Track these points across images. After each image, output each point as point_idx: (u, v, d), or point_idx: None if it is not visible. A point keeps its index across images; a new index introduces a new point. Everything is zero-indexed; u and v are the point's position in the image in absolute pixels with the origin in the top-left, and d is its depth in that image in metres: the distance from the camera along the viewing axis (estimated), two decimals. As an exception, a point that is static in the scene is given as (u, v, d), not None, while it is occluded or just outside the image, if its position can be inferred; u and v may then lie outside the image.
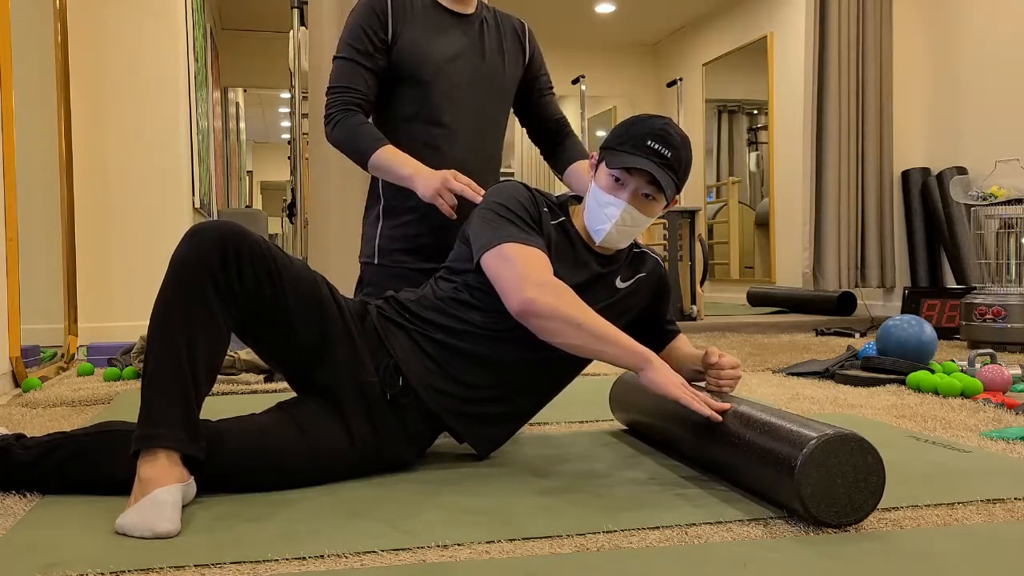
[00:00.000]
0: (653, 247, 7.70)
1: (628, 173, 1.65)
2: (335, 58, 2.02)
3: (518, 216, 1.67)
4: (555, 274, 1.64)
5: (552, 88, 2.26)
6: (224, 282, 1.47)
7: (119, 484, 1.44)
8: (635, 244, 1.87)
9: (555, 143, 2.24)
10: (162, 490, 1.33)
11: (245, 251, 1.48)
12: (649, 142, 1.63)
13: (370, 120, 2.04)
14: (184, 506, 1.39)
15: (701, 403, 1.52)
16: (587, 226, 1.73)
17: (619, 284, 1.79)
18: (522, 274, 1.56)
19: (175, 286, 1.45)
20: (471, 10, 2.10)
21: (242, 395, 2.67)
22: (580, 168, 2.15)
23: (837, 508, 1.31)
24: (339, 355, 1.60)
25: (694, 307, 5.26)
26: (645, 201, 1.67)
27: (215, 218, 6.14)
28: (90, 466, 1.49)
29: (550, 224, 1.74)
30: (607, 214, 1.67)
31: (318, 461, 1.56)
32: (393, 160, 1.92)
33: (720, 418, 1.52)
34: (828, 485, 1.30)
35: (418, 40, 2.01)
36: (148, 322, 1.48)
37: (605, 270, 1.77)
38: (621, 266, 1.80)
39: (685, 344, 1.90)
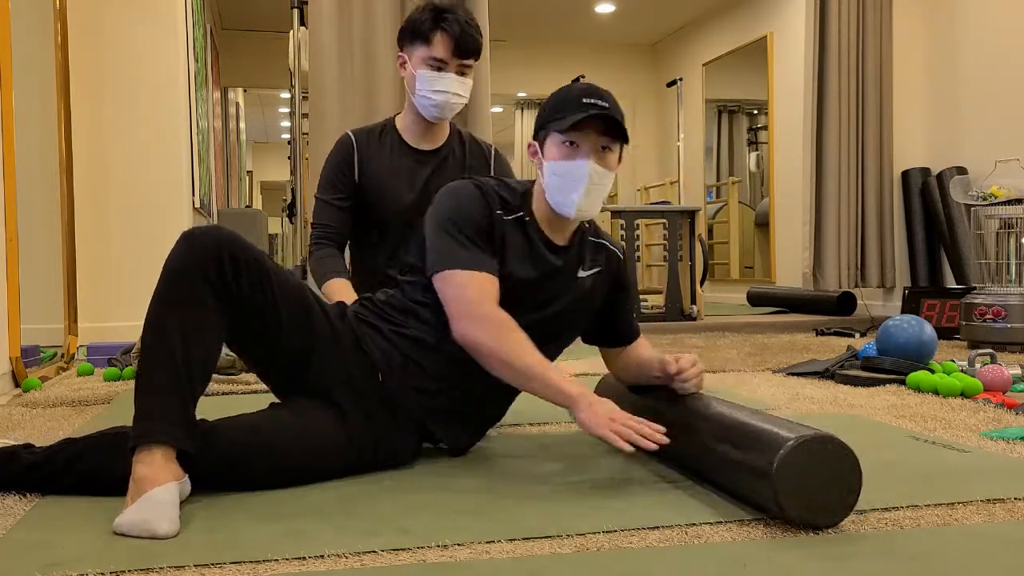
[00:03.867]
0: (653, 246, 7.72)
1: (580, 131, 1.64)
2: (315, 196, 2.33)
3: (468, 236, 1.67)
4: (513, 271, 1.68)
5: None
6: (219, 284, 1.48)
7: (126, 481, 1.45)
8: (594, 233, 1.85)
9: None
10: (159, 489, 1.33)
11: (240, 256, 1.51)
12: (584, 99, 1.64)
13: (342, 249, 2.33)
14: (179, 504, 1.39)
15: (624, 443, 1.45)
16: (554, 205, 1.70)
17: (581, 274, 1.79)
18: (462, 308, 1.62)
19: (170, 286, 1.46)
20: (436, 145, 2.30)
21: (242, 395, 2.67)
22: None
23: (816, 509, 1.29)
24: (327, 357, 1.64)
25: (694, 307, 5.26)
26: (604, 154, 1.67)
27: (211, 222, 6.16)
28: (97, 464, 1.50)
29: (504, 225, 1.72)
30: (575, 180, 1.65)
31: (315, 456, 1.57)
32: (330, 293, 2.17)
33: (655, 446, 1.47)
34: (805, 487, 1.29)
35: (379, 181, 2.25)
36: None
37: (564, 261, 1.76)
38: (582, 257, 1.80)
39: (645, 349, 1.89)
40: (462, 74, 2.21)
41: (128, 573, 1.15)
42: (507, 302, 1.67)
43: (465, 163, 2.33)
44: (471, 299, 1.62)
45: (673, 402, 1.68)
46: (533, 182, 1.80)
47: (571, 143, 1.65)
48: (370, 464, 1.66)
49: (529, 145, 1.76)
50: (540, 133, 1.71)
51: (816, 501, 1.29)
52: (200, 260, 1.47)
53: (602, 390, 2.05)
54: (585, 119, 1.62)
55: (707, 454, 1.50)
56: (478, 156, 2.36)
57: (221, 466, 1.49)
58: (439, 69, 2.19)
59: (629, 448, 1.46)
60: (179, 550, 1.23)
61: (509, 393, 1.80)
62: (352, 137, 2.29)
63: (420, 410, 1.71)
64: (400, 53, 2.28)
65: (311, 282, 2.17)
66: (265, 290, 1.55)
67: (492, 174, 2.34)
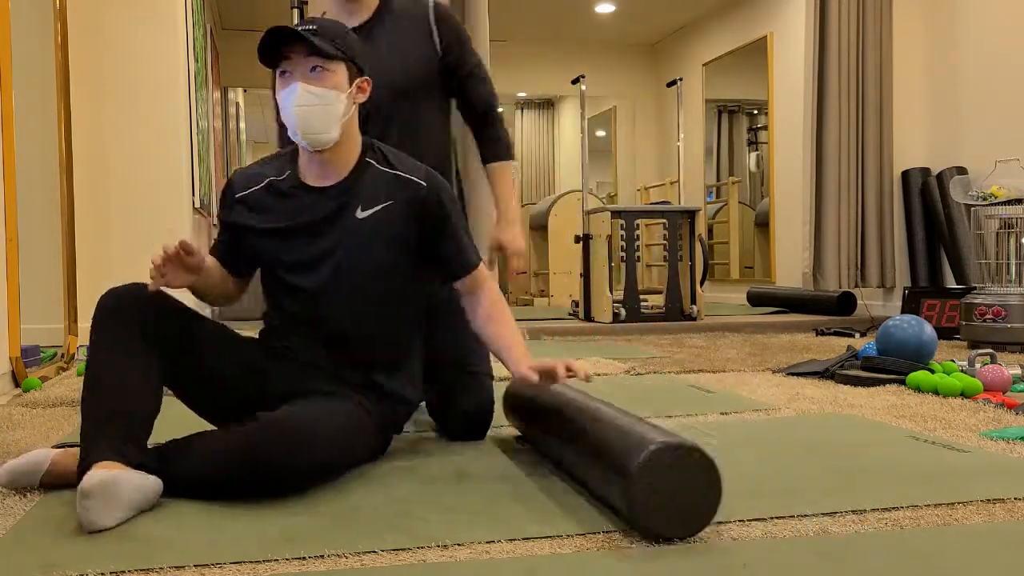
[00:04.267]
0: (653, 246, 7.70)
1: (282, 59, 1.62)
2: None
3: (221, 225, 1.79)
4: (279, 230, 1.70)
5: (477, 70, 2.16)
6: (145, 329, 1.56)
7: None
8: (391, 165, 1.73)
9: (477, 132, 2.20)
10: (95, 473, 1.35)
11: (159, 304, 1.59)
12: (273, 28, 1.59)
13: None
14: (154, 508, 1.43)
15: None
16: (297, 141, 1.67)
17: (359, 215, 1.70)
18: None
19: (102, 336, 1.54)
20: (366, 16, 2.07)
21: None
22: (494, 174, 2.16)
23: (674, 517, 1.25)
24: (278, 369, 1.71)
25: (694, 307, 5.26)
26: (316, 75, 1.61)
27: (212, 222, 6.17)
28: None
29: (254, 193, 1.73)
30: (288, 107, 1.62)
31: (344, 445, 1.59)
32: None
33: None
34: (661, 497, 1.25)
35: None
36: None
37: (337, 203, 1.69)
38: (361, 195, 1.70)
39: (498, 310, 1.78)
40: None
41: (128, 573, 1.15)
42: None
43: (398, 25, 2.09)
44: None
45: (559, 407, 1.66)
46: None
47: (281, 74, 1.64)
48: (375, 446, 1.74)
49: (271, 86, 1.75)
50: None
51: (673, 510, 1.25)
52: (122, 309, 1.55)
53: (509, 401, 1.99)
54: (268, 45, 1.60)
55: (578, 456, 1.49)
56: (419, 17, 2.11)
57: (191, 478, 1.50)
58: None
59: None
60: (179, 550, 1.23)
61: (397, 342, 1.77)
62: None
63: (359, 378, 1.72)
64: None
65: None
66: (191, 329, 1.63)
67: (436, 35, 2.10)
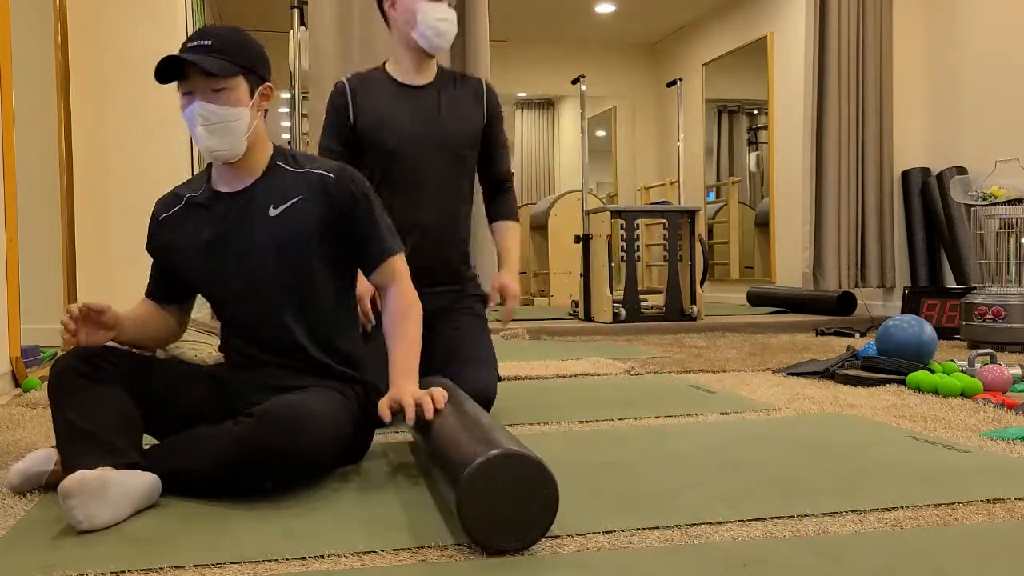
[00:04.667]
0: (653, 246, 7.70)
1: (183, 79, 1.60)
2: (318, 143, 2.42)
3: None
4: (200, 243, 1.69)
5: (505, 146, 2.51)
6: (98, 372, 1.55)
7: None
8: (300, 165, 1.74)
9: (492, 195, 2.51)
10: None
11: (103, 351, 1.59)
12: (164, 59, 1.57)
13: None
14: (153, 506, 1.44)
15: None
16: (206, 157, 1.69)
17: (272, 213, 1.69)
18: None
19: (55, 392, 1.52)
20: (426, 81, 2.39)
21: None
22: (501, 229, 2.48)
23: (506, 529, 1.21)
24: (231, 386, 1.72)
25: (694, 307, 5.26)
26: (217, 94, 1.60)
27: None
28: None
29: (175, 213, 1.74)
30: (192, 127, 1.62)
31: (335, 413, 1.59)
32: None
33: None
34: (493, 509, 1.21)
35: (376, 117, 2.32)
36: None
37: (245, 202, 1.69)
38: (271, 194, 1.70)
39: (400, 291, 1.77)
40: (450, 5, 2.36)
41: (128, 573, 1.15)
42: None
43: (456, 95, 2.41)
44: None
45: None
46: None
47: (184, 95, 1.63)
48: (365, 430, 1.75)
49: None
50: None
51: (503, 521, 1.21)
52: (72, 366, 1.53)
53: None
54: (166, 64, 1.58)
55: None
56: (470, 91, 2.43)
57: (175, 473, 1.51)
58: None
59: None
60: (179, 550, 1.23)
61: (309, 322, 1.75)
62: (346, 82, 2.39)
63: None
64: None
65: None
66: (150, 371, 1.64)
67: (485, 107, 2.43)
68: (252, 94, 1.66)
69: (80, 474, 1.33)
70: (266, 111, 1.72)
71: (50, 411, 1.56)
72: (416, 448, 1.92)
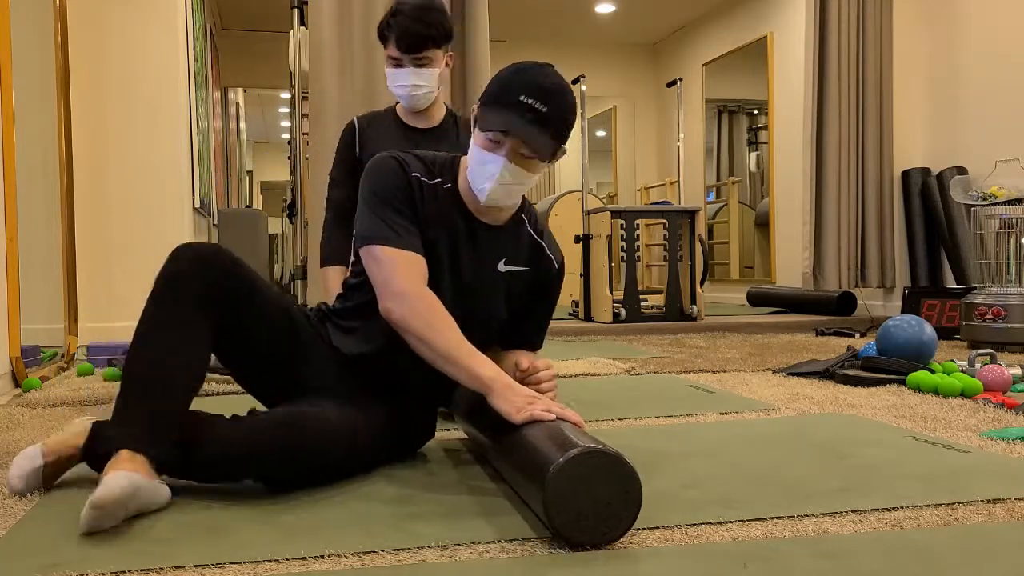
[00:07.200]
0: (653, 246, 7.71)
1: (503, 133, 1.59)
2: (329, 173, 2.55)
3: (393, 207, 1.66)
4: (430, 236, 1.67)
5: None
6: (207, 298, 1.53)
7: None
8: (539, 231, 1.79)
9: None
10: (112, 475, 1.33)
11: (226, 270, 1.57)
12: (522, 97, 1.55)
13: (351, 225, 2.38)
14: (158, 510, 1.41)
15: (551, 413, 1.45)
16: (472, 186, 1.67)
17: (501, 267, 1.74)
18: (385, 280, 1.61)
19: (160, 296, 1.52)
20: (432, 124, 2.46)
21: (242, 395, 2.67)
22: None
23: (586, 523, 1.23)
24: (318, 357, 1.72)
25: (694, 307, 5.26)
26: (524, 160, 1.61)
27: (211, 223, 6.16)
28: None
29: (424, 188, 1.70)
30: (488, 172, 1.61)
31: (349, 437, 1.59)
32: (324, 278, 2.50)
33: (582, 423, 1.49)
34: (578, 504, 1.22)
35: (377, 152, 2.34)
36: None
37: (486, 237, 1.73)
38: (509, 246, 1.75)
39: (526, 357, 1.78)
40: (420, 66, 2.34)
41: (128, 573, 1.15)
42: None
43: (459, 139, 2.45)
44: (395, 274, 1.61)
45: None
46: (458, 156, 1.79)
47: (494, 140, 1.61)
48: (391, 448, 1.75)
49: (473, 108, 1.70)
50: (480, 109, 1.65)
51: (585, 517, 1.23)
52: (189, 272, 1.53)
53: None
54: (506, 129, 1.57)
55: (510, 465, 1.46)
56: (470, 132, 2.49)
57: (207, 463, 1.50)
58: (397, 66, 2.37)
59: (551, 418, 1.45)
60: (179, 550, 1.23)
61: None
62: (355, 120, 2.53)
63: (397, 388, 1.75)
64: None
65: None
66: (252, 303, 1.61)
67: None
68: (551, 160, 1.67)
69: (119, 486, 1.30)
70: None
71: (144, 305, 1.54)
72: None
